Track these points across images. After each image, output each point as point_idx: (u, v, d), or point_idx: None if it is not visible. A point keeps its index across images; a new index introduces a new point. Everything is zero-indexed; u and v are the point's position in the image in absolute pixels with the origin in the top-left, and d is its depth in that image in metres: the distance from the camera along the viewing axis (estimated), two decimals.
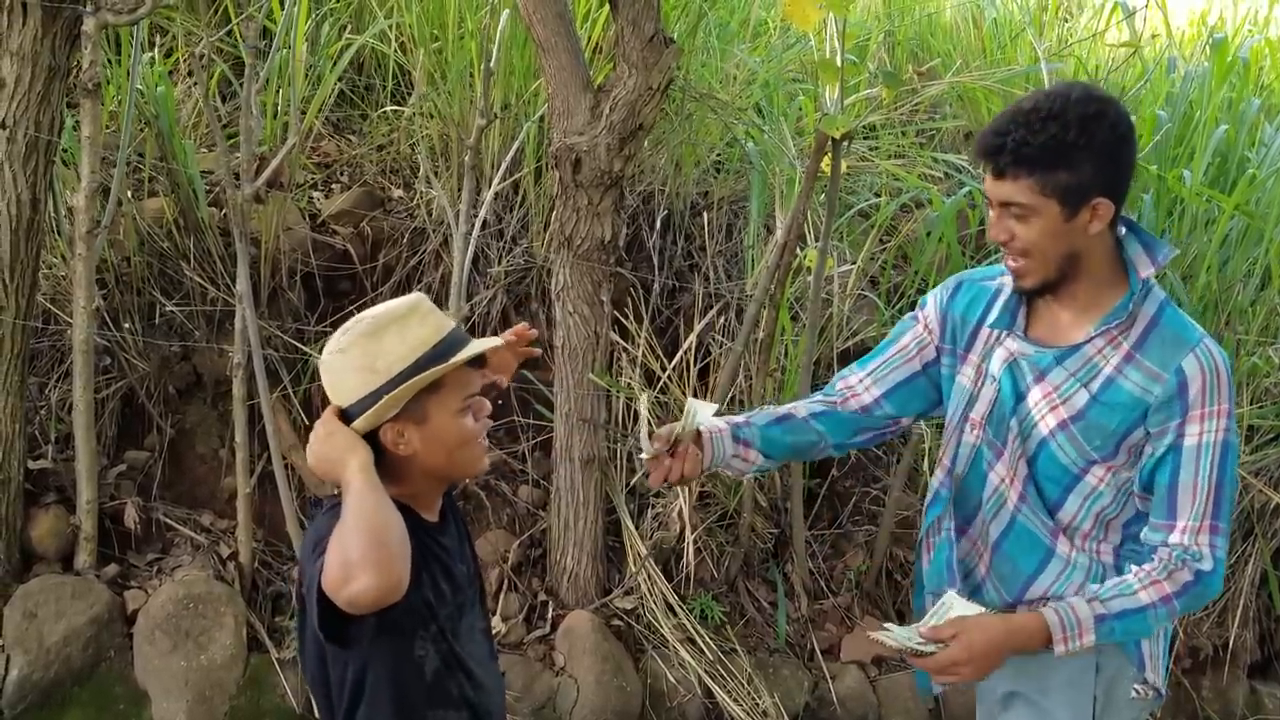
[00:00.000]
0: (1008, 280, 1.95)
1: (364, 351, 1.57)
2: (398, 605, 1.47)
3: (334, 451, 1.55)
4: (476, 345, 1.64)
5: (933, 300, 2.09)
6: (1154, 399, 1.81)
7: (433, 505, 1.69)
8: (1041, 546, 1.94)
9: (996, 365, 1.94)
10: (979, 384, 1.98)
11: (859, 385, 2.12)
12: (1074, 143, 1.73)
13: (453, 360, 1.59)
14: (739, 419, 2.08)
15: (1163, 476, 1.82)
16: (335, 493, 1.58)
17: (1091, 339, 1.87)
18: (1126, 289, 1.86)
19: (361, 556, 1.39)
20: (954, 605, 1.87)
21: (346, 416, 1.59)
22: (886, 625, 1.91)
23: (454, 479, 1.72)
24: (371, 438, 1.59)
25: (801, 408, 2.13)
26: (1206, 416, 1.80)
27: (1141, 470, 1.86)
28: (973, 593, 2.03)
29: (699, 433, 1.99)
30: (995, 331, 1.96)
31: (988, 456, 1.98)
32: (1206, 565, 1.80)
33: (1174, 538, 1.81)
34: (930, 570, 2.09)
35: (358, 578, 1.38)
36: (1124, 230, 1.88)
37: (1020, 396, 1.92)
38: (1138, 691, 1.94)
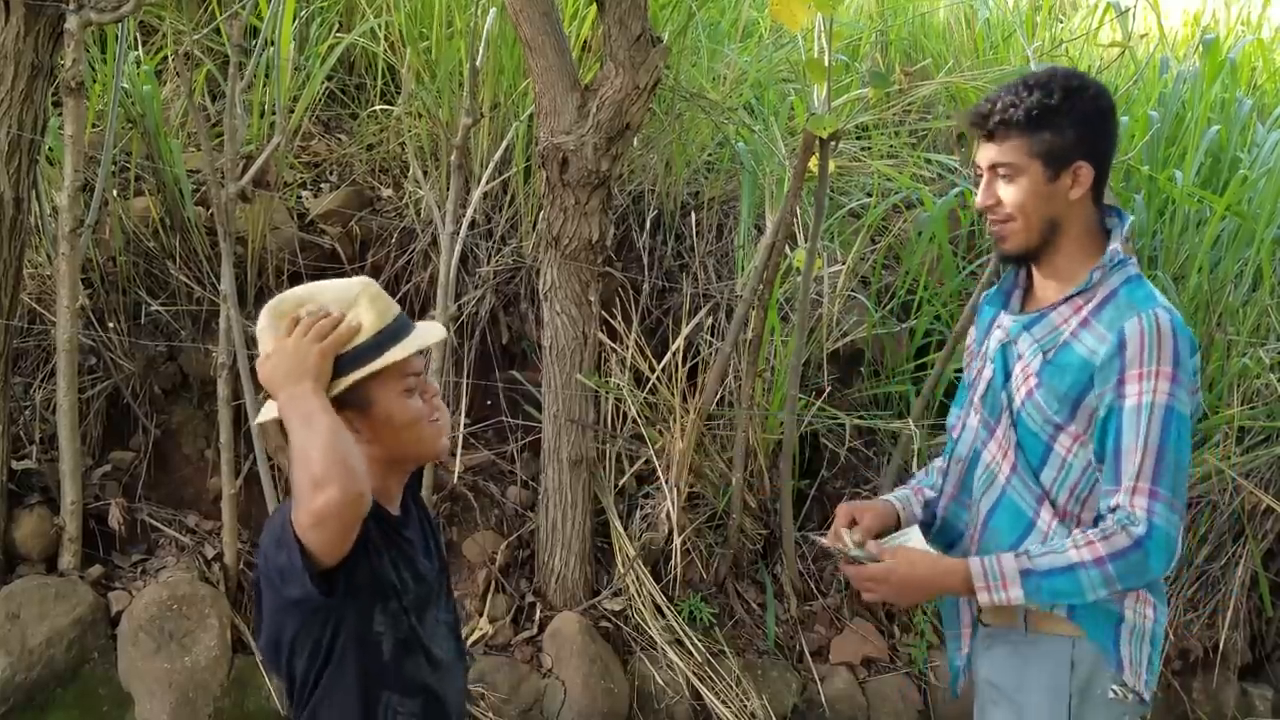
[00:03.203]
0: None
1: None
2: (362, 569, 1.48)
3: (295, 365, 1.51)
4: (421, 336, 1.63)
5: (976, 320, 2.18)
6: (1098, 359, 1.85)
7: (393, 498, 1.67)
8: (1024, 519, 1.96)
9: (992, 346, 2.02)
10: (981, 368, 2.05)
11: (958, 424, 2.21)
12: (1057, 107, 1.87)
13: (391, 356, 1.57)
14: (926, 492, 2.17)
15: (1107, 441, 1.84)
16: None
17: (1057, 307, 1.93)
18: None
19: (324, 470, 1.40)
20: (911, 537, 1.97)
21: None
22: (840, 532, 2.02)
23: (410, 462, 1.70)
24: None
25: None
26: (1145, 376, 1.80)
27: (1094, 439, 1.88)
28: None
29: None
30: (999, 318, 2.04)
31: (983, 436, 2.02)
32: (1140, 529, 1.78)
33: (1113, 500, 1.82)
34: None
35: (325, 488, 1.40)
36: (1114, 216, 1.97)
37: (1009, 374, 1.98)
38: (1115, 692, 1.93)
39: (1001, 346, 2.00)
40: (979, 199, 1.95)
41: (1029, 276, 2.03)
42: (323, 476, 1.40)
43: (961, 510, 2.08)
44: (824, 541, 2.02)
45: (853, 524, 2.05)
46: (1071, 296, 1.92)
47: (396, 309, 1.63)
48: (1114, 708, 1.94)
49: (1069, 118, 1.87)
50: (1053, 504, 1.94)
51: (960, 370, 2.27)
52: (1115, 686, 1.92)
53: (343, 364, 1.55)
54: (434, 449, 1.67)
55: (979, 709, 2.12)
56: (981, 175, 1.96)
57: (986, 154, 1.93)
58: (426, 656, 1.65)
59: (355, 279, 1.63)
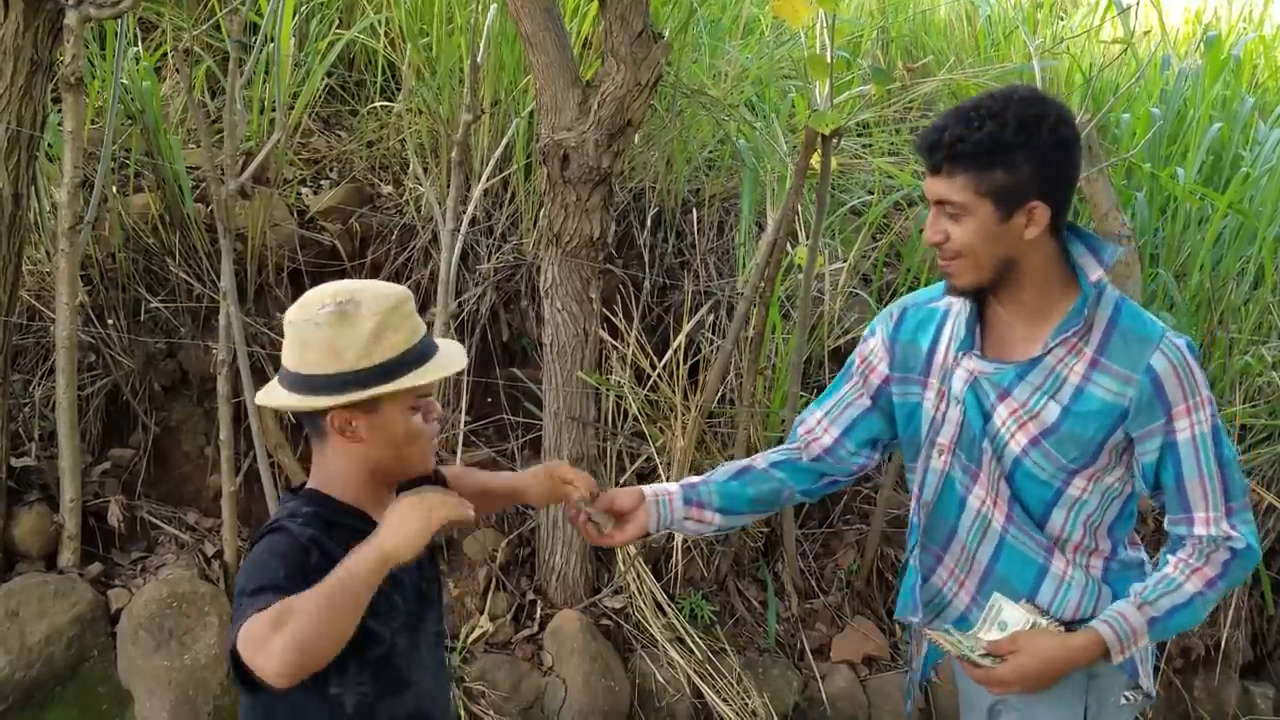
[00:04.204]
0: (955, 300, 1.92)
1: (340, 334, 1.54)
2: None
3: (407, 523, 1.46)
4: (444, 362, 1.62)
5: (879, 329, 2.03)
6: (1129, 402, 1.78)
7: (382, 508, 1.63)
8: (1034, 564, 1.90)
9: (959, 386, 1.89)
10: (942, 407, 1.92)
11: (818, 428, 2.07)
12: (1011, 141, 1.70)
13: (418, 382, 1.57)
14: (695, 479, 2.07)
15: (1167, 476, 1.82)
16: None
17: (1051, 349, 1.82)
18: (1078, 294, 1.82)
19: (294, 643, 1.34)
20: (1003, 608, 1.88)
21: (291, 383, 1.58)
22: (946, 627, 1.93)
23: (398, 476, 1.69)
24: (308, 418, 1.59)
25: (761, 458, 2.10)
26: (1192, 409, 1.78)
27: (1144, 472, 1.84)
28: (955, 623, 2.00)
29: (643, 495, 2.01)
30: (955, 353, 1.91)
31: (963, 480, 1.93)
32: (1240, 543, 1.81)
33: (1199, 530, 1.82)
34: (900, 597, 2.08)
35: (272, 659, 1.34)
36: (1073, 238, 1.84)
37: (986, 416, 1.87)
38: (1127, 698, 1.92)
39: (970, 387, 1.87)
40: (926, 234, 1.81)
41: (982, 306, 1.88)
42: (295, 644, 1.34)
43: (928, 557, 2.01)
44: (938, 640, 1.89)
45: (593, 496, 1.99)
46: (1064, 337, 1.80)
47: (424, 328, 1.62)
48: (1125, 712, 1.93)
49: (1024, 152, 1.70)
50: (1063, 549, 1.89)
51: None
52: (1128, 692, 1.91)
53: (370, 377, 1.55)
54: (420, 468, 1.67)
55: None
56: (930, 205, 1.81)
57: (933, 188, 1.77)
58: (407, 687, 1.64)
59: (395, 288, 1.61)
